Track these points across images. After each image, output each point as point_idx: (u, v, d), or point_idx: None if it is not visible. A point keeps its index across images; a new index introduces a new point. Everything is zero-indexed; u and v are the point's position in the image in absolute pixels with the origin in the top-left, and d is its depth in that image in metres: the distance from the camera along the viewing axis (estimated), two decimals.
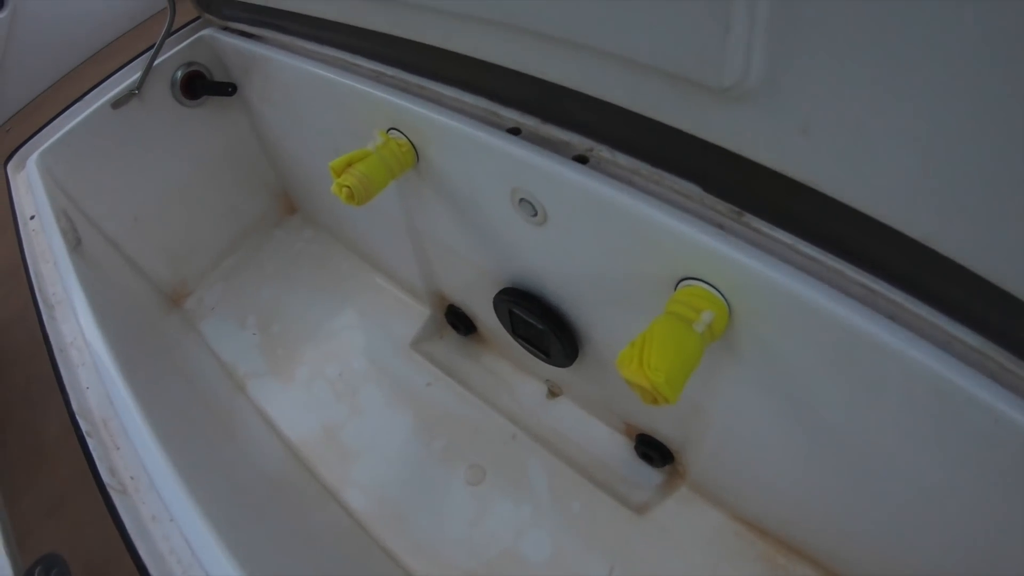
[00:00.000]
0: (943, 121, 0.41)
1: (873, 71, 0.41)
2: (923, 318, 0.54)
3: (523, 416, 1.21)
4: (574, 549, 1.04)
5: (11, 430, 0.81)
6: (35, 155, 1.19)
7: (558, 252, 0.82)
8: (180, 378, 1.27)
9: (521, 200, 0.79)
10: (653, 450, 1.05)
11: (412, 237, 1.15)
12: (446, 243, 1.07)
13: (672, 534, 1.02)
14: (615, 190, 0.66)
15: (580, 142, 0.73)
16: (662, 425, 1.01)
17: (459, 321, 1.30)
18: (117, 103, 1.24)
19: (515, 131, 0.78)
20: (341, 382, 1.32)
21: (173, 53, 1.27)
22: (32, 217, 1.13)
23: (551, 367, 1.04)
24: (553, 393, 1.23)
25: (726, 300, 0.63)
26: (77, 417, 0.78)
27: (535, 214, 0.78)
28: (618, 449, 1.13)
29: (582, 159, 0.72)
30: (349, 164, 0.84)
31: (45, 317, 0.93)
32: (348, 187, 0.82)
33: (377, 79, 0.94)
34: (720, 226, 0.62)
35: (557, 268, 0.86)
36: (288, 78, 1.13)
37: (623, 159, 0.69)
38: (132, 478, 0.72)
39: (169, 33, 1.22)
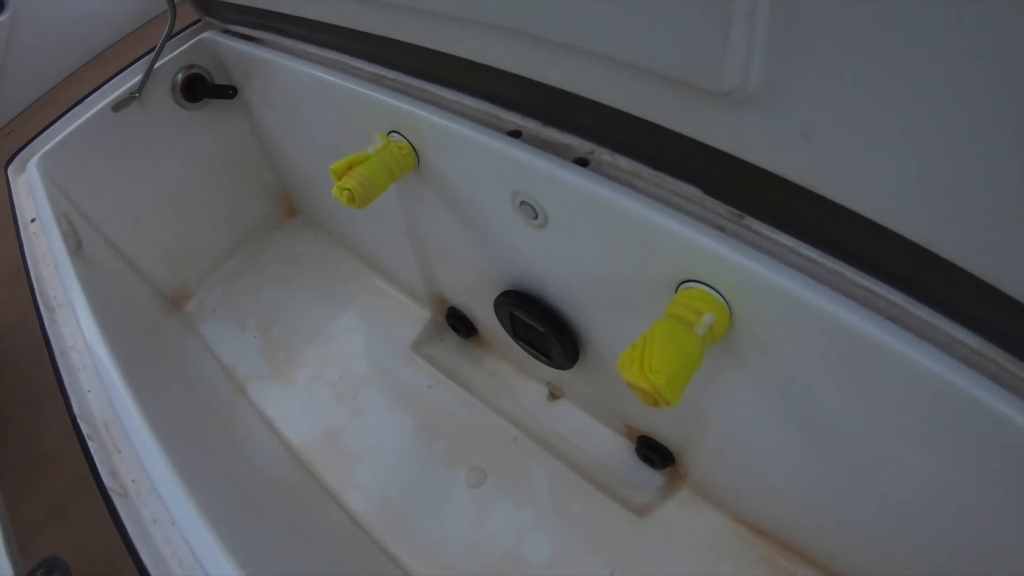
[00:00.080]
0: (942, 125, 0.41)
1: (872, 75, 0.41)
2: (923, 320, 0.54)
3: (524, 418, 1.21)
4: (575, 551, 1.04)
5: (12, 433, 0.81)
6: (36, 158, 1.19)
7: (559, 255, 0.82)
8: (181, 381, 1.27)
9: (522, 203, 0.79)
10: (654, 452, 1.05)
11: (412, 240, 1.16)
12: (447, 246, 1.08)
13: (673, 536, 1.02)
14: (616, 193, 0.66)
15: (581, 145, 0.73)
16: (663, 427, 1.01)
17: (460, 323, 1.30)
18: (118, 106, 1.24)
19: (516, 134, 0.78)
20: (342, 385, 1.32)
21: (174, 56, 1.27)
22: (33, 220, 1.13)
23: (552, 369, 1.04)
24: (554, 395, 1.23)
25: (727, 302, 0.63)
26: (78, 420, 0.78)
27: (536, 217, 0.78)
28: (619, 451, 1.13)
29: (583, 162, 0.72)
30: (350, 167, 0.84)
31: (46, 320, 0.93)
32: (349, 190, 0.82)
33: (377, 82, 0.94)
34: (721, 229, 0.62)
35: (558, 271, 0.86)
36: (289, 81, 1.13)
37: (624, 162, 0.69)
38: (134, 481, 0.72)
39: (170, 36, 1.22)
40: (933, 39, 0.37)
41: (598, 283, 0.80)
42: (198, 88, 1.33)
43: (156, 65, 1.24)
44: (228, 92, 1.34)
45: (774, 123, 0.49)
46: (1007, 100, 0.37)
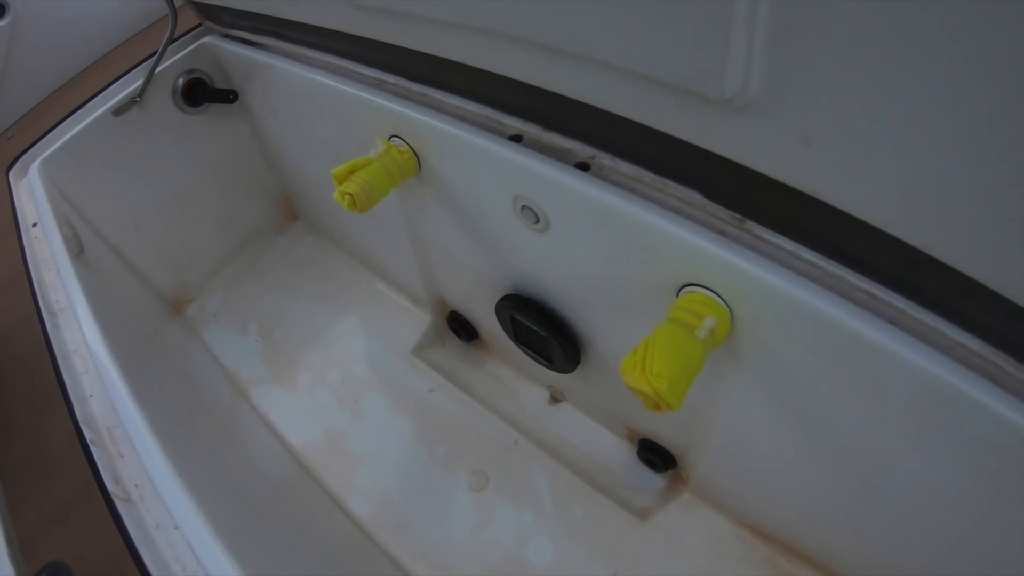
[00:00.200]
0: (940, 130, 0.41)
1: (872, 81, 0.42)
2: (924, 323, 0.54)
3: (525, 422, 1.21)
4: (577, 555, 1.04)
5: (15, 437, 0.81)
6: (37, 162, 1.19)
7: (560, 259, 0.82)
8: (183, 385, 1.28)
9: (523, 207, 0.79)
10: (656, 455, 1.05)
11: (414, 244, 1.16)
12: (448, 250, 1.08)
13: (675, 539, 1.02)
14: (617, 197, 0.66)
15: (582, 149, 0.73)
16: (665, 430, 1.01)
17: (461, 327, 1.30)
18: (119, 110, 1.25)
19: (517, 138, 0.79)
20: (343, 389, 1.32)
21: (175, 60, 1.28)
22: (34, 224, 1.13)
23: (553, 373, 1.05)
24: (555, 399, 1.23)
25: (728, 306, 0.63)
26: (81, 425, 0.78)
27: (537, 221, 0.79)
28: (621, 454, 1.13)
29: (584, 166, 0.73)
30: (351, 171, 0.84)
31: (48, 325, 0.93)
32: (350, 194, 0.82)
33: (379, 87, 0.94)
34: (722, 233, 0.62)
35: (559, 275, 0.87)
36: (290, 85, 1.13)
37: (625, 166, 0.70)
38: (136, 486, 0.72)
39: (171, 40, 1.22)
40: (932, 45, 0.38)
41: (599, 287, 0.80)
42: (199, 92, 1.33)
43: (157, 69, 1.25)
44: (229, 96, 1.34)
45: (774, 129, 0.49)
46: (1005, 106, 0.37)
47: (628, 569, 1.01)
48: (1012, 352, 0.51)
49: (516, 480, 1.14)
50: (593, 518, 1.07)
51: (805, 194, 0.53)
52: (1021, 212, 0.41)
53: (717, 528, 1.02)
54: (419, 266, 1.22)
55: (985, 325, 0.52)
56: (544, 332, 0.94)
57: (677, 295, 0.67)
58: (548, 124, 0.77)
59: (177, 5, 1.20)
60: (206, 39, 1.29)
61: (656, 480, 1.09)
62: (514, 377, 1.29)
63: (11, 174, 1.25)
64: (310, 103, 1.10)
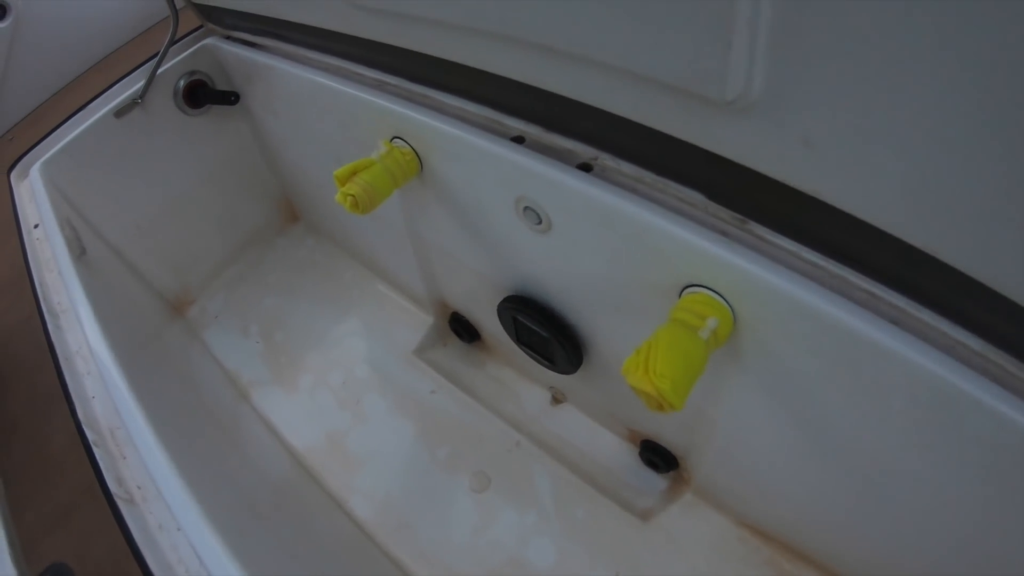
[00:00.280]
0: (942, 131, 0.41)
1: (873, 84, 0.42)
2: (926, 323, 0.54)
3: (527, 423, 1.21)
4: (579, 556, 1.04)
5: (17, 439, 0.82)
6: (38, 164, 1.20)
7: (562, 260, 0.83)
8: (184, 387, 1.28)
9: (525, 208, 0.79)
10: (657, 456, 1.05)
11: (415, 245, 1.16)
12: (450, 251, 1.08)
13: (677, 540, 1.02)
14: (619, 198, 0.67)
15: (584, 150, 0.74)
16: (667, 431, 1.02)
17: (462, 328, 1.31)
18: (120, 112, 1.25)
19: (519, 139, 0.79)
20: (344, 390, 1.32)
21: (176, 62, 1.28)
22: (36, 226, 1.13)
23: (555, 374, 1.05)
24: (557, 400, 1.23)
25: (730, 307, 0.63)
26: (83, 427, 0.78)
27: (539, 222, 0.79)
28: (622, 455, 1.13)
29: (586, 167, 0.73)
30: (353, 173, 0.84)
31: (50, 326, 0.93)
32: (353, 196, 0.82)
33: (380, 88, 0.95)
34: (724, 233, 0.62)
35: (561, 276, 0.87)
36: (291, 87, 1.14)
37: (627, 167, 0.70)
38: (139, 487, 0.72)
39: (172, 42, 1.23)
40: (932, 46, 0.38)
41: (601, 288, 0.80)
42: (200, 94, 1.34)
43: (159, 71, 1.25)
44: (230, 98, 1.35)
45: (776, 130, 0.49)
46: (1005, 106, 0.38)
47: (630, 570, 1.01)
48: (1013, 351, 0.51)
49: (518, 481, 1.14)
50: (595, 519, 1.07)
51: (806, 195, 0.53)
52: (1021, 212, 0.41)
53: (719, 529, 1.02)
54: (420, 267, 1.22)
55: (986, 324, 0.52)
56: (546, 333, 0.94)
57: (679, 296, 0.68)
58: (550, 125, 0.77)
59: (178, 7, 1.20)
60: (207, 41, 1.29)
61: (658, 481, 1.09)
62: (515, 378, 1.29)
63: (12, 175, 1.26)
64: (311, 105, 1.11)
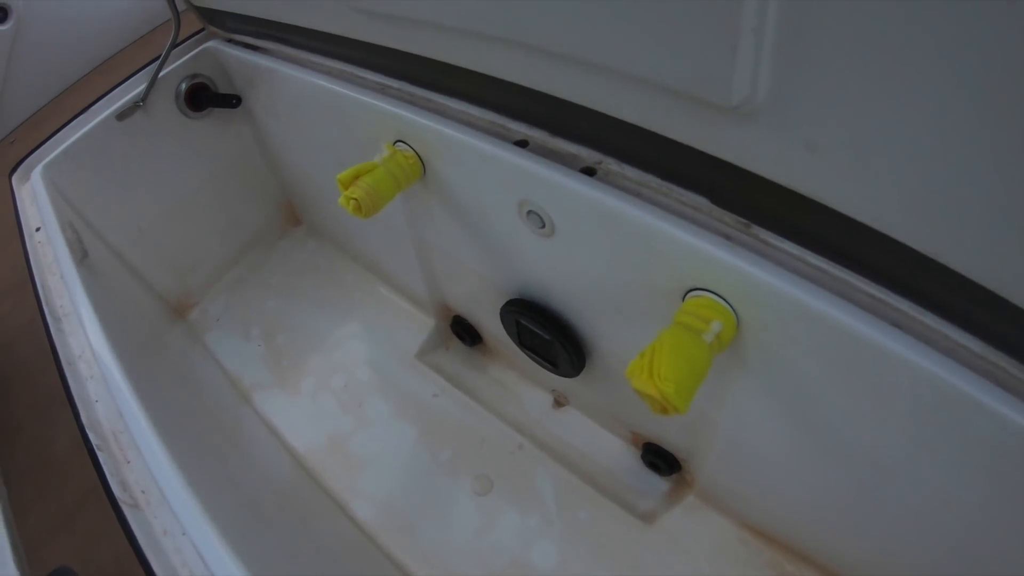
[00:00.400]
0: (945, 137, 0.42)
1: (878, 89, 0.42)
2: (928, 326, 0.54)
3: (529, 426, 1.21)
4: (581, 558, 1.04)
5: (21, 442, 0.81)
6: (40, 167, 1.20)
7: (566, 263, 0.83)
8: (187, 390, 1.27)
9: (529, 212, 0.79)
10: (660, 459, 1.05)
11: (418, 248, 1.16)
12: (452, 254, 1.08)
13: (679, 542, 1.02)
14: (623, 202, 0.67)
15: (588, 155, 0.74)
16: (669, 434, 1.02)
17: (465, 331, 1.31)
18: (122, 115, 1.25)
19: (522, 143, 0.79)
20: (346, 393, 1.32)
21: (178, 65, 1.28)
22: (38, 229, 1.13)
23: (557, 377, 1.05)
24: (559, 403, 1.24)
25: (734, 310, 0.64)
26: (87, 430, 0.78)
27: (543, 226, 0.79)
28: (625, 458, 1.13)
29: (590, 171, 0.73)
30: (356, 177, 0.84)
31: (53, 330, 0.93)
32: (356, 200, 0.82)
33: (383, 92, 0.95)
34: (728, 237, 0.63)
35: (565, 279, 0.87)
36: (293, 90, 1.14)
37: (631, 172, 0.70)
38: (143, 492, 0.72)
39: (174, 45, 1.23)
40: (937, 52, 0.38)
41: (605, 291, 0.81)
42: (202, 97, 1.34)
43: (160, 74, 1.25)
44: (232, 101, 1.35)
45: (781, 136, 0.50)
46: (1008, 112, 0.38)
47: (632, 572, 1.01)
48: (1015, 354, 0.51)
49: (520, 484, 1.14)
50: (597, 522, 1.07)
51: (810, 199, 0.53)
52: (1022, 215, 0.42)
53: (721, 531, 1.02)
54: (423, 270, 1.22)
55: (988, 327, 0.52)
56: (549, 336, 0.95)
57: (683, 299, 0.68)
58: (554, 129, 0.78)
59: (180, 9, 1.20)
60: (209, 44, 1.29)
61: (660, 483, 1.09)
62: (518, 381, 1.29)
63: (14, 178, 1.26)
64: (314, 108, 1.11)
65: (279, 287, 1.56)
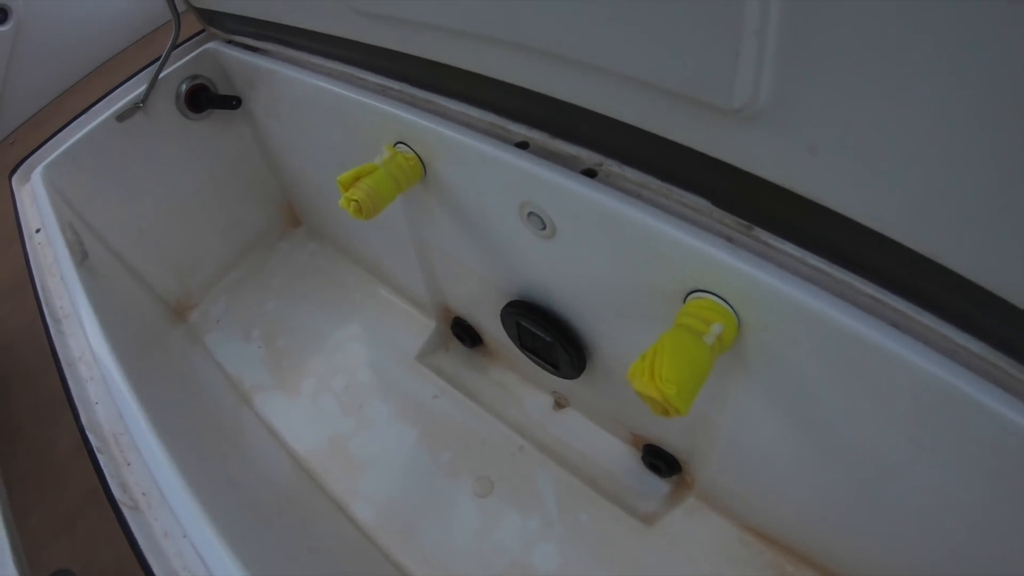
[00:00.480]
0: (947, 139, 0.42)
1: (880, 93, 0.42)
2: (929, 327, 0.55)
3: (530, 427, 1.21)
4: (582, 560, 1.04)
5: (21, 445, 0.81)
6: (40, 168, 1.19)
7: (567, 265, 0.83)
8: (187, 392, 1.27)
9: (529, 214, 0.80)
10: (660, 460, 1.05)
11: (418, 250, 1.16)
12: (453, 256, 1.08)
13: (680, 544, 1.02)
14: (624, 203, 0.67)
15: (589, 156, 0.74)
16: (670, 436, 1.02)
17: (465, 333, 1.31)
18: (122, 116, 1.25)
19: (523, 145, 0.79)
20: (347, 395, 1.32)
21: (178, 66, 1.28)
22: (38, 230, 1.13)
23: (558, 379, 1.05)
24: (560, 404, 1.24)
25: (735, 312, 0.64)
26: (87, 432, 0.78)
27: (544, 227, 0.79)
28: (625, 460, 1.13)
29: (591, 173, 0.73)
30: (357, 178, 0.84)
31: (53, 331, 0.93)
32: (356, 201, 0.82)
33: (384, 93, 0.95)
34: (729, 239, 0.63)
35: (565, 281, 0.87)
36: (293, 92, 1.14)
37: (632, 173, 0.70)
38: (144, 494, 0.72)
39: (174, 46, 1.23)
40: (939, 56, 0.38)
41: (606, 293, 0.81)
42: (202, 98, 1.34)
43: (160, 75, 1.25)
44: (232, 102, 1.35)
45: (783, 138, 0.50)
46: (1009, 115, 0.38)
47: (633, 574, 1.01)
48: (1014, 355, 0.52)
49: (521, 486, 1.14)
50: (598, 523, 1.07)
51: (811, 201, 0.53)
52: (1022, 216, 0.42)
53: (722, 532, 1.02)
54: (423, 272, 1.22)
55: (988, 328, 0.53)
56: (549, 338, 0.95)
57: (684, 301, 0.68)
58: (555, 131, 0.78)
59: (180, 11, 1.20)
60: (209, 45, 1.29)
61: (661, 485, 1.09)
62: (518, 383, 1.29)
63: (14, 179, 1.25)
64: (314, 109, 1.11)
65: (279, 288, 1.56)
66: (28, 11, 1.44)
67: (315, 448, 1.24)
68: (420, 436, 1.23)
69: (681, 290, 0.68)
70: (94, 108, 1.31)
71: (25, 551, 0.69)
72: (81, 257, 1.10)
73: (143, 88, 1.25)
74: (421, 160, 0.90)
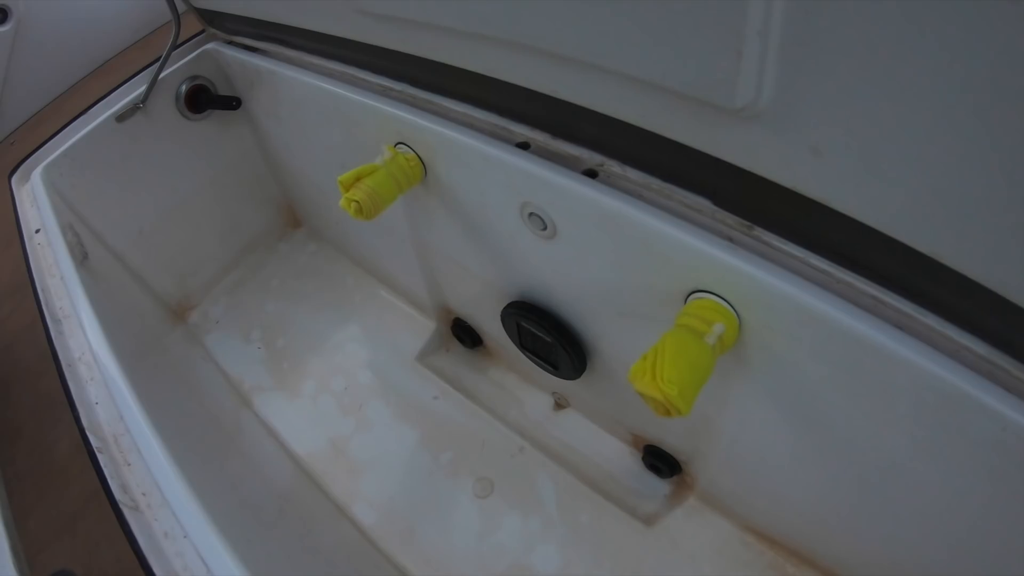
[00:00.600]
0: (949, 139, 0.42)
1: (882, 93, 0.42)
2: (931, 327, 0.55)
3: (530, 428, 1.21)
4: (583, 561, 1.04)
5: (21, 446, 0.81)
6: (40, 168, 1.19)
7: (567, 266, 0.83)
8: (187, 393, 1.27)
9: (530, 214, 0.80)
10: (661, 461, 1.05)
11: (418, 251, 1.16)
12: (453, 257, 1.08)
13: (681, 545, 1.02)
14: (625, 204, 0.67)
15: (590, 157, 0.74)
16: (670, 436, 1.02)
17: (465, 334, 1.31)
18: (122, 116, 1.25)
19: (524, 146, 0.79)
20: (347, 396, 1.32)
21: (178, 67, 1.28)
22: (37, 231, 1.13)
23: (558, 379, 1.05)
24: (560, 405, 1.23)
25: (736, 312, 0.64)
26: (87, 433, 0.78)
27: (544, 228, 0.79)
28: (626, 460, 1.13)
29: (592, 173, 0.73)
30: (357, 179, 0.84)
31: (53, 332, 0.93)
32: (357, 201, 0.82)
33: (384, 94, 0.95)
34: (730, 239, 0.63)
35: (566, 281, 0.87)
36: (294, 92, 1.14)
37: (633, 173, 0.70)
38: (144, 494, 0.72)
39: (174, 46, 1.23)
40: (942, 57, 0.38)
41: (607, 293, 0.81)
42: (202, 99, 1.34)
43: (160, 76, 1.25)
44: (232, 103, 1.35)
45: (785, 138, 0.50)
46: (1012, 116, 0.38)
47: (634, 575, 1.01)
48: (1017, 355, 0.52)
49: (521, 487, 1.14)
50: (599, 524, 1.07)
51: (813, 201, 0.53)
52: None
53: (722, 533, 1.02)
54: (423, 273, 1.22)
55: (991, 329, 0.53)
56: (550, 339, 0.95)
57: (685, 301, 0.68)
58: (556, 131, 0.78)
59: (180, 11, 1.20)
60: (209, 45, 1.29)
61: (661, 486, 1.09)
62: (518, 384, 1.29)
63: (13, 180, 1.25)
64: (314, 110, 1.11)
65: (279, 289, 1.56)
66: (28, 11, 1.44)
67: (315, 449, 1.23)
68: (420, 437, 1.23)
69: (682, 290, 0.68)
70: (94, 108, 1.31)
71: (25, 552, 0.69)
72: (81, 258, 1.10)
73: (143, 88, 1.25)
74: (422, 160, 0.90)
